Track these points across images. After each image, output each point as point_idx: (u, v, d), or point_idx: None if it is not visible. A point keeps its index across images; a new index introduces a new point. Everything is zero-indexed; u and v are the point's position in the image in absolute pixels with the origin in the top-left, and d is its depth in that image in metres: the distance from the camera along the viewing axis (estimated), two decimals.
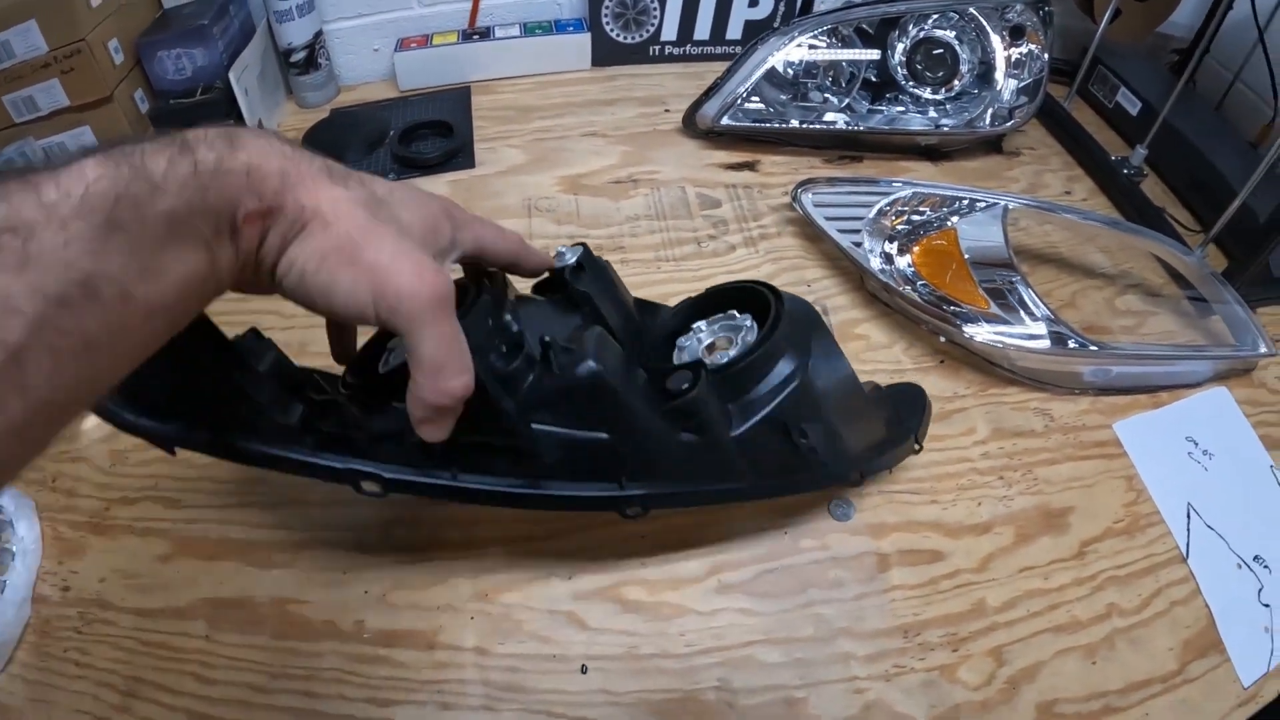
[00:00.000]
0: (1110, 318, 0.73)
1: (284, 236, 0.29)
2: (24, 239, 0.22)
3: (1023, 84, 0.88)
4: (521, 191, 0.89)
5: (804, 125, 0.90)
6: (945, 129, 0.89)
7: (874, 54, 0.92)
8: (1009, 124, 0.90)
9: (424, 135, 0.96)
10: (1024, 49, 0.87)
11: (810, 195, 0.79)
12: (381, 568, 0.57)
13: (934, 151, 0.91)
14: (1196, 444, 0.64)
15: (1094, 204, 0.88)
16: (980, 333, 0.65)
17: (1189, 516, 0.59)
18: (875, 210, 0.76)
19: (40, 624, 0.57)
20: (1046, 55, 0.87)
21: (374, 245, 0.30)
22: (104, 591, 0.59)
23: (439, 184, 0.90)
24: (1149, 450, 0.63)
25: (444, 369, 0.32)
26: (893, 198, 0.77)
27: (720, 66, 1.05)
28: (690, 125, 0.94)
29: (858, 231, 0.76)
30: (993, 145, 0.92)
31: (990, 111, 0.89)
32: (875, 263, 0.74)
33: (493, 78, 1.06)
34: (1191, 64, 0.92)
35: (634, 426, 0.42)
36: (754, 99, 0.90)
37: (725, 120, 0.90)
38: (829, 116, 0.91)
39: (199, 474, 0.65)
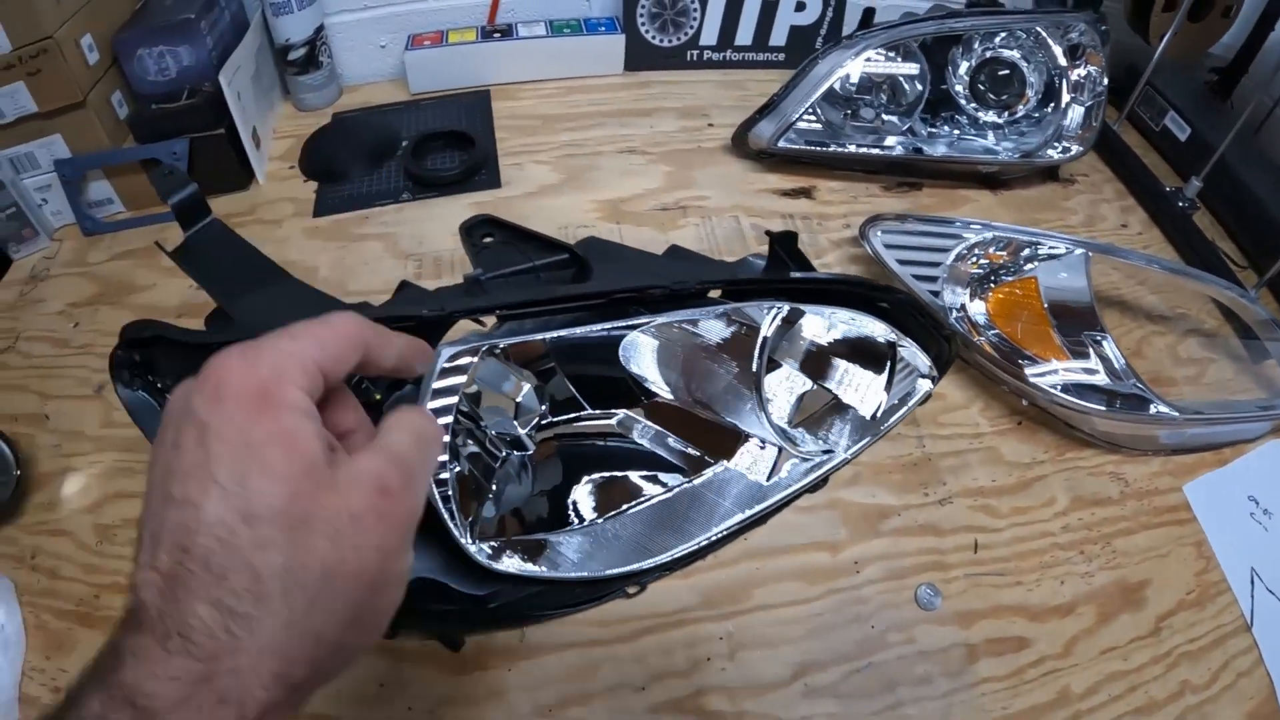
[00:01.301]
0: (1174, 367, 0.73)
1: None
2: None
3: (1085, 107, 0.87)
4: (555, 217, 0.85)
5: (860, 149, 0.88)
6: (1007, 157, 0.87)
7: (912, 68, 0.90)
8: (1075, 151, 0.88)
9: (440, 147, 0.92)
10: (1083, 70, 0.86)
11: (880, 235, 0.75)
12: (425, 680, 0.53)
13: (993, 179, 0.89)
14: (1257, 503, 0.65)
15: (1149, 237, 0.87)
16: (1061, 394, 0.64)
17: (1252, 583, 0.60)
18: (953, 256, 0.73)
19: None
20: (1106, 78, 0.86)
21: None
22: None
23: (458, 207, 0.87)
24: (1215, 513, 0.64)
25: None
26: (970, 242, 0.73)
27: (762, 75, 1.06)
28: (740, 145, 0.91)
29: (935, 279, 0.73)
30: (1049, 173, 0.91)
31: (1054, 137, 0.88)
32: (952, 316, 0.71)
33: (514, 81, 1.03)
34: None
35: None
36: (809, 117, 0.87)
37: (782, 143, 0.87)
38: (889, 140, 0.89)
39: None
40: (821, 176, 0.90)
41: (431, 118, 0.98)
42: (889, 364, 0.47)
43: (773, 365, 0.48)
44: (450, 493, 0.41)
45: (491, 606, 0.45)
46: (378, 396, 0.44)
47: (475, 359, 0.40)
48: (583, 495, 0.49)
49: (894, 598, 0.56)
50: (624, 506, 0.49)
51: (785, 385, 0.50)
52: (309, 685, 0.24)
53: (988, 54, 0.88)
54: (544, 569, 0.45)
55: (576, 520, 0.48)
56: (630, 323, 0.42)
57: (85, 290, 0.81)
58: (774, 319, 0.45)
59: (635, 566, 0.46)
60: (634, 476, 0.49)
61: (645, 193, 0.89)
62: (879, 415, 0.48)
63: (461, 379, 0.39)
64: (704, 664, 0.53)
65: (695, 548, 0.46)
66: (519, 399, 0.45)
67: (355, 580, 0.25)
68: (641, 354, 0.48)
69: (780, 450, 0.48)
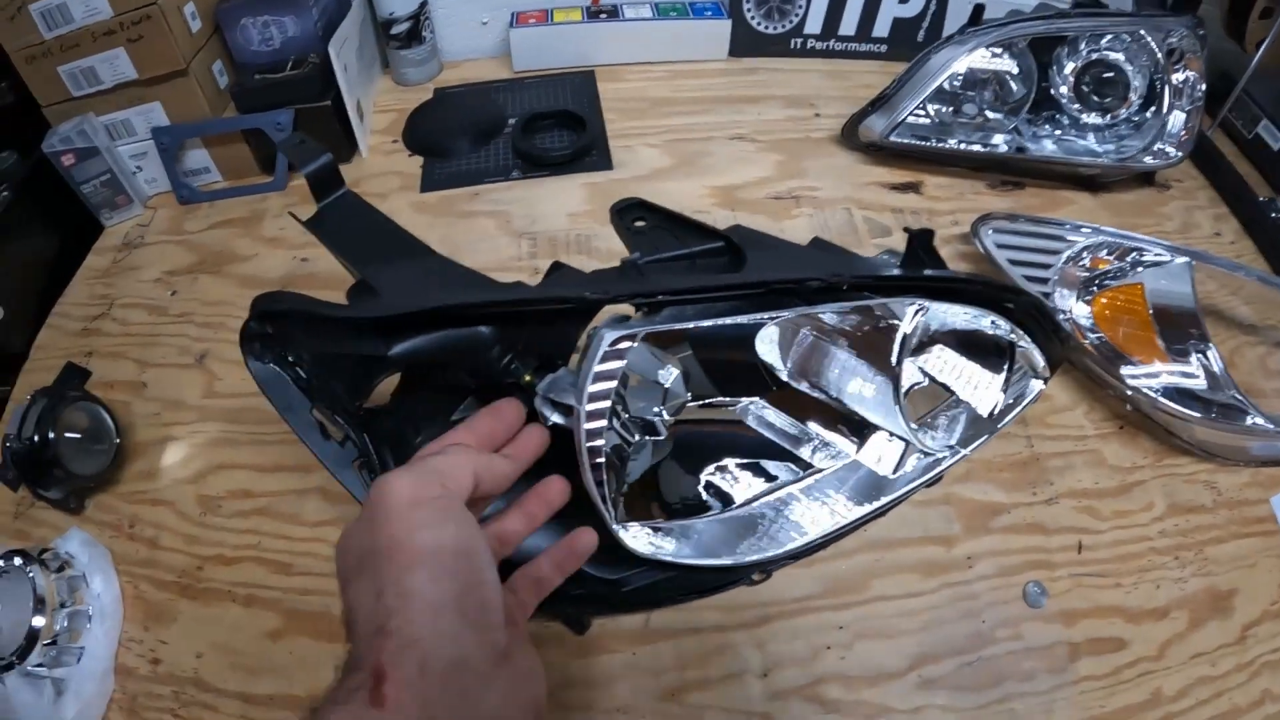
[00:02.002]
0: (1264, 379, 0.73)
1: None
2: None
3: (1185, 112, 0.87)
4: (671, 202, 0.81)
5: (968, 146, 0.88)
6: (1108, 159, 0.88)
7: (1019, 67, 0.88)
8: (1175, 157, 0.86)
9: (549, 126, 0.92)
10: (1182, 75, 0.86)
11: (991, 233, 0.76)
12: (548, 662, 0.50)
13: (1092, 182, 0.89)
14: None
15: (1240, 247, 0.86)
16: (1164, 400, 0.65)
17: None
18: (1064, 258, 0.74)
19: (127, 701, 0.53)
20: (1204, 84, 0.85)
21: None
22: (202, 669, 0.54)
23: (571, 186, 0.87)
24: None
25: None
26: (1080, 245, 0.74)
27: (864, 66, 1.06)
28: (850, 137, 0.91)
29: (1045, 281, 0.73)
30: (1145, 178, 0.91)
31: (1154, 142, 0.87)
32: (1060, 318, 0.70)
33: (619, 63, 1.03)
34: None
35: None
36: (919, 112, 0.87)
37: (893, 137, 0.87)
38: (995, 139, 0.89)
39: (310, 533, 0.60)
40: (928, 172, 0.90)
41: (536, 96, 0.98)
42: (1007, 363, 0.48)
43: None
44: (604, 478, 0.41)
45: (625, 590, 0.47)
46: (528, 378, 0.43)
47: (634, 344, 0.40)
48: (714, 482, 0.50)
49: (1003, 594, 0.57)
50: (752, 495, 0.50)
51: (912, 380, 0.51)
52: None
53: (1093, 55, 0.87)
54: (681, 554, 0.46)
55: (710, 506, 0.49)
56: (786, 314, 0.43)
57: (182, 259, 0.82)
58: (915, 315, 0.45)
59: (764, 555, 0.47)
60: (763, 465, 0.51)
61: (758, 180, 0.89)
62: (995, 413, 0.49)
63: (622, 363, 0.39)
64: (824, 652, 0.54)
65: (821, 538, 0.48)
66: (669, 385, 0.45)
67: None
68: (775, 342, 0.48)
69: (907, 444, 0.49)
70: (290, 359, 0.44)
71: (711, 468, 0.50)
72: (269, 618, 0.55)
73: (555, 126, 0.93)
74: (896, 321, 0.46)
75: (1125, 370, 0.66)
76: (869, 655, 0.54)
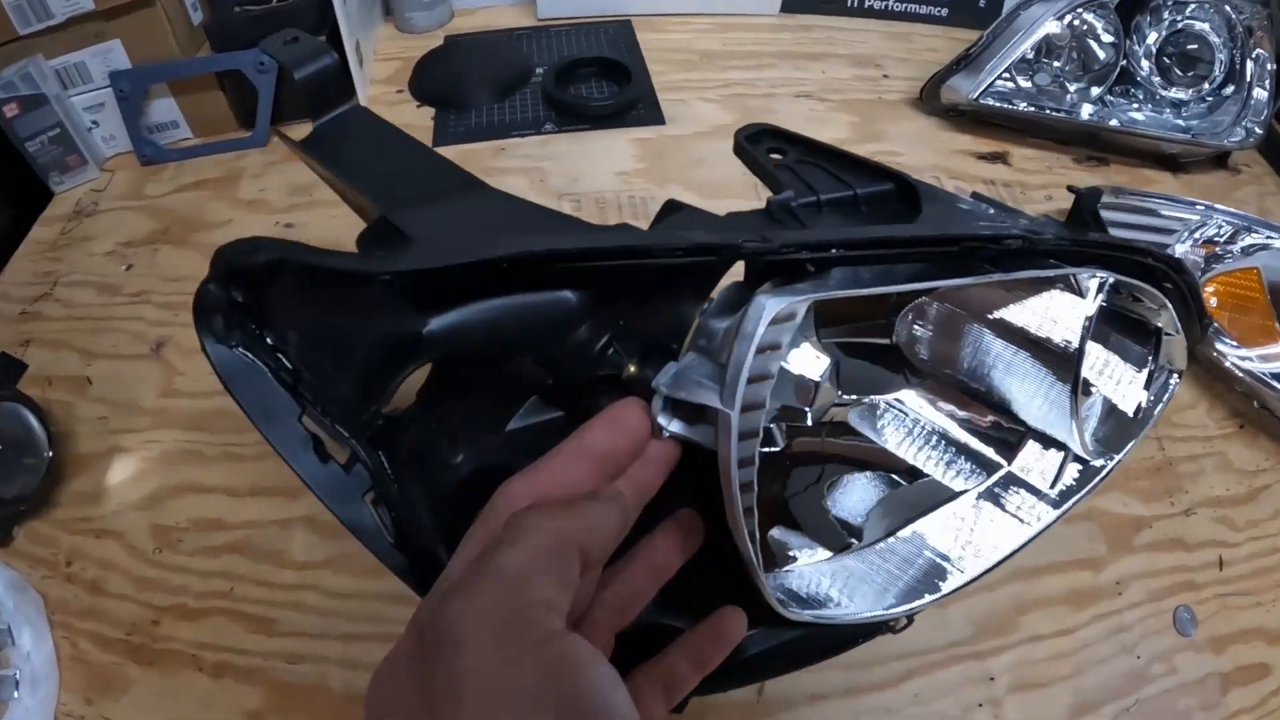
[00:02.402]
0: None
1: None
2: None
3: (1267, 92, 0.85)
4: (732, 160, 0.73)
5: (1057, 113, 0.86)
6: (1192, 136, 0.86)
7: (1108, 33, 0.86)
8: (1258, 136, 0.84)
9: (586, 76, 0.86)
10: (1255, 53, 0.85)
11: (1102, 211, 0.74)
12: None
13: (1173, 161, 0.88)
14: None
15: None
16: None
17: None
18: (1183, 238, 0.73)
19: None
20: (1273, 64, 0.84)
21: None
22: None
23: (618, 142, 0.80)
24: None
25: None
26: (1194, 225, 0.73)
27: (924, 30, 1.03)
28: (931, 100, 0.87)
29: None
30: (1217, 161, 0.90)
31: (1235, 121, 0.85)
32: None
33: (657, 13, 0.96)
34: None
35: None
36: (1004, 78, 0.85)
37: (985, 99, 0.83)
38: (1083, 110, 0.87)
39: (297, 578, 0.50)
40: (1013, 142, 0.86)
41: (567, 45, 0.91)
42: (1152, 354, 0.44)
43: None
44: (755, 515, 0.30)
45: (745, 657, 0.38)
46: (632, 369, 0.32)
47: (801, 317, 0.29)
48: (845, 506, 0.42)
49: (1154, 623, 0.54)
50: (898, 521, 0.42)
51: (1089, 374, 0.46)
52: None
53: (1177, 24, 0.85)
54: (849, 609, 0.37)
55: (844, 539, 0.41)
56: (974, 280, 0.35)
57: (142, 227, 0.73)
58: (1099, 291, 0.38)
59: (922, 602, 0.38)
60: (903, 480, 0.43)
61: (834, 141, 0.79)
62: (1140, 413, 0.44)
63: (781, 349, 0.29)
64: (974, 713, 0.49)
65: (984, 568, 0.40)
66: (820, 378, 0.36)
67: None
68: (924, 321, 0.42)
69: (1066, 452, 0.43)
70: (270, 341, 0.29)
71: (839, 487, 0.42)
72: (246, 693, 0.46)
73: (593, 77, 0.86)
74: (1080, 299, 0.39)
75: (1245, 362, 0.64)
76: (1024, 711, 0.49)
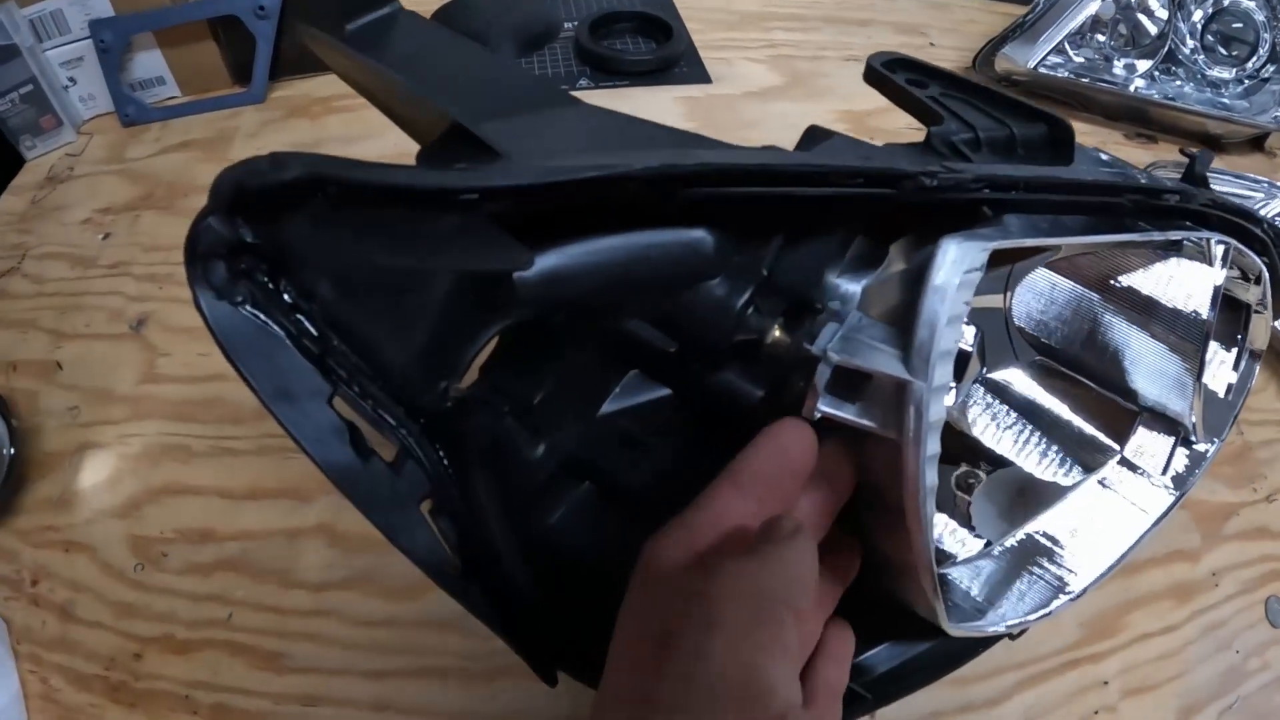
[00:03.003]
0: None
1: None
2: None
3: None
4: (790, 123, 0.68)
5: (1114, 86, 0.88)
6: (1240, 115, 0.87)
7: (1160, 7, 0.88)
8: None
9: (622, 31, 0.84)
10: None
11: None
12: None
13: (1217, 142, 0.88)
14: None
15: None
16: None
17: None
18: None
19: None
20: None
21: None
22: None
23: (663, 99, 0.77)
24: None
25: None
26: (1261, 205, 0.72)
27: (964, 0, 1.05)
28: (985, 69, 0.88)
29: None
30: (1255, 143, 0.91)
31: (1277, 102, 0.86)
32: None
33: None
34: None
35: None
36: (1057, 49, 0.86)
37: (1042, 69, 0.85)
38: (1133, 85, 0.89)
39: (311, 602, 0.44)
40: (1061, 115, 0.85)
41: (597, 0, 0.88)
42: (1241, 334, 0.45)
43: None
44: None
45: (867, 681, 0.36)
46: (777, 333, 0.27)
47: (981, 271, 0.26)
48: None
49: (1248, 616, 0.54)
50: (1016, 518, 0.41)
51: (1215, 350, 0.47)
52: None
53: (1224, 2, 0.86)
54: (983, 614, 0.36)
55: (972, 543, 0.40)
56: (1130, 237, 0.35)
57: (122, 192, 0.68)
58: (1226, 258, 0.38)
59: (1059, 604, 0.36)
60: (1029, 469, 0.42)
61: (888, 108, 0.76)
62: (1230, 394, 0.45)
63: (966, 307, 0.25)
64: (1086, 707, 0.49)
65: (1110, 562, 0.40)
66: (970, 345, 0.33)
67: None
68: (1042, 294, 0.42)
69: (1176, 435, 0.43)
70: (289, 299, 0.22)
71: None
72: None
73: (630, 31, 0.84)
74: (1208, 267, 0.38)
75: None
76: (1138, 714, 0.48)
